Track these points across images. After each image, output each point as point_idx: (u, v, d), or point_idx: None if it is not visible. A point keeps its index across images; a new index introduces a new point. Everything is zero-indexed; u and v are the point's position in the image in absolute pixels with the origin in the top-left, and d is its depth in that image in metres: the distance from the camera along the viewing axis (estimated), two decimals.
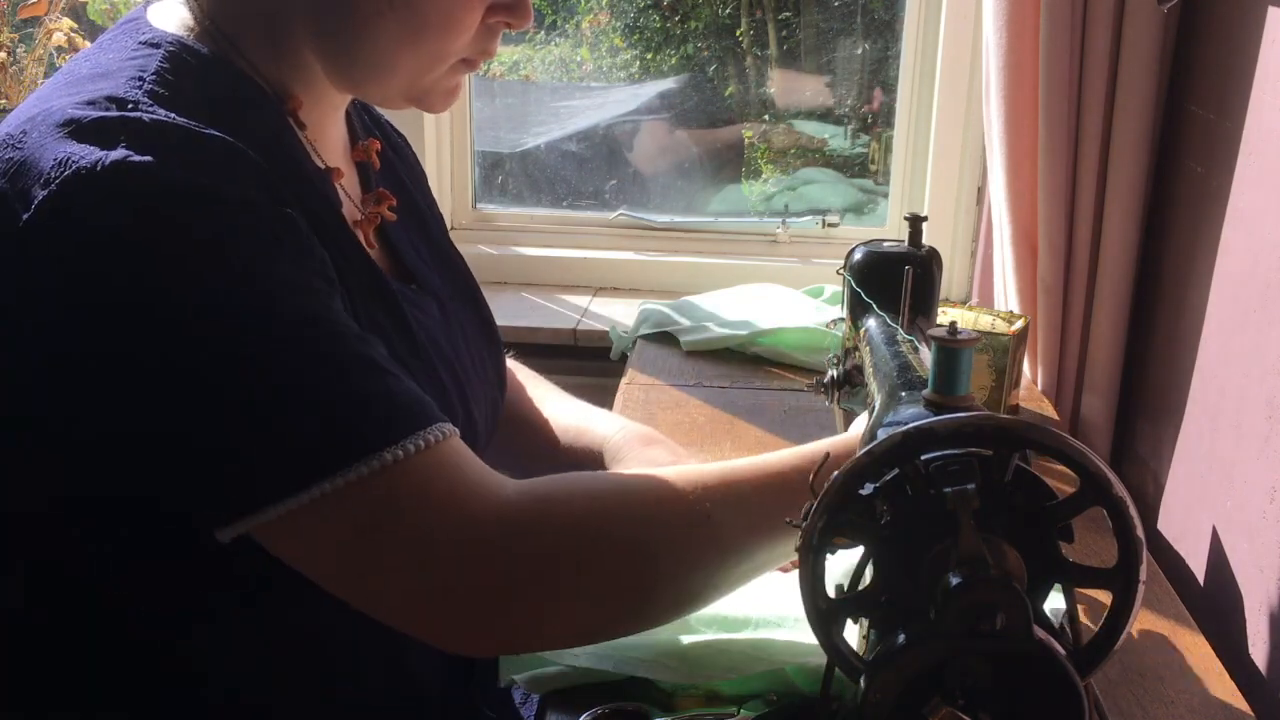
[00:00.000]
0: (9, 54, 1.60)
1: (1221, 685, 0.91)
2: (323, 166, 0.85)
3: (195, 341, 0.66)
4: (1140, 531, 0.58)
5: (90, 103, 0.70)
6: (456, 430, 0.74)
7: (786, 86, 2.05)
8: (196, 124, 0.71)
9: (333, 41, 0.80)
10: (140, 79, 0.73)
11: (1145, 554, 0.58)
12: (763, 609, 0.93)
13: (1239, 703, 0.89)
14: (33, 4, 1.61)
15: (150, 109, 0.71)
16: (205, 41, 0.79)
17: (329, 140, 0.88)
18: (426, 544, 0.70)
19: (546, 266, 1.94)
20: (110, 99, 0.71)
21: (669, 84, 2.12)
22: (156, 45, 0.77)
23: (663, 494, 0.77)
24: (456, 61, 0.83)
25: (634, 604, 0.76)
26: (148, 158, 0.67)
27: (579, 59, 2.18)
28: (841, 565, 0.90)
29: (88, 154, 0.66)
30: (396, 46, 0.79)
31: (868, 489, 0.60)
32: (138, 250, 0.66)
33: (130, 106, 0.70)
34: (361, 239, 0.89)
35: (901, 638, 0.57)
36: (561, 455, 1.13)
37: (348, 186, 0.90)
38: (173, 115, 0.71)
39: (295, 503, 0.67)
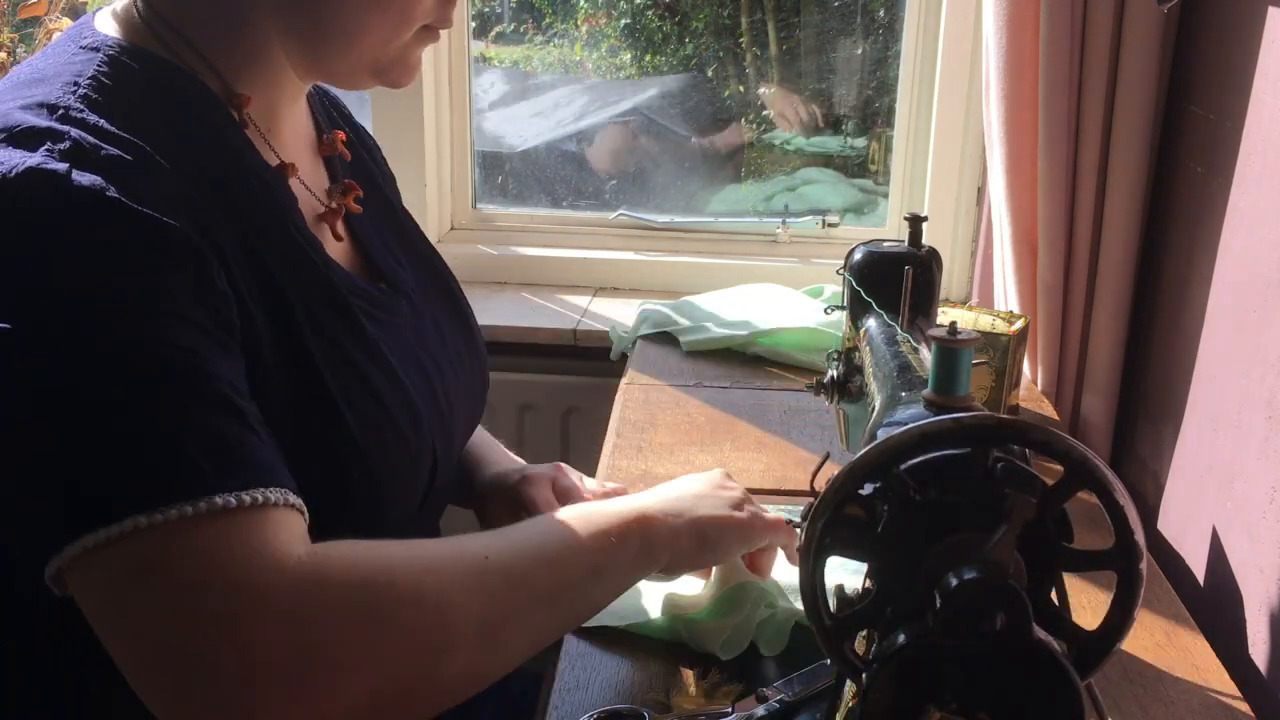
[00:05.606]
0: (9, 54, 1.60)
1: (1221, 685, 0.91)
2: (275, 163, 0.84)
3: (51, 343, 0.64)
4: (1138, 529, 0.58)
5: (22, 108, 0.70)
6: (284, 495, 0.67)
7: (786, 87, 2.05)
8: (127, 135, 0.70)
9: (298, 13, 0.80)
10: (75, 84, 0.73)
11: (1144, 548, 0.58)
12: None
13: (1239, 703, 0.89)
14: (33, 4, 1.61)
15: (81, 113, 0.71)
16: (151, 41, 0.79)
17: (286, 134, 0.88)
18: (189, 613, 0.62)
19: (546, 266, 1.94)
20: (43, 104, 0.71)
21: (669, 84, 2.11)
22: (95, 49, 0.77)
23: (445, 546, 0.74)
24: (420, 29, 0.84)
25: (428, 665, 0.68)
26: (63, 165, 0.66)
27: (578, 59, 2.18)
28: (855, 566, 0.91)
29: (5, 160, 0.66)
30: (364, 10, 0.80)
31: (867, 489, 0.60)
32: (34, 250, 0.65)
33: (61, 113, 0.70)
34: (328, 233, 0.89)
35: (901, 638, 0.57)
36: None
37: (311, 179, 0.90)
38: (103, 122, 0.70)
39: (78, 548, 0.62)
